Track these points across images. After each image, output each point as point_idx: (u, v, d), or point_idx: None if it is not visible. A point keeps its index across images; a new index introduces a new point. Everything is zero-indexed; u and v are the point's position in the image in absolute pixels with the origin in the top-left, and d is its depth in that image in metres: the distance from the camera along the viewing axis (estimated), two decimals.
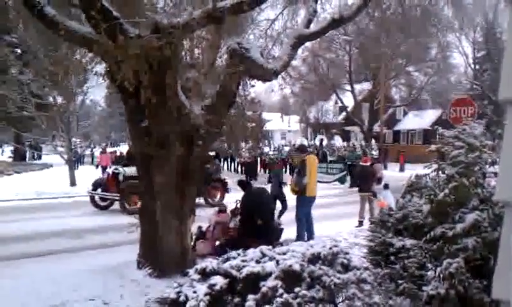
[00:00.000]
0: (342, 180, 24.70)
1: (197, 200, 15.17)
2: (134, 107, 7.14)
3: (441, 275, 4.75)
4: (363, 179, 13.43)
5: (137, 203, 13.60)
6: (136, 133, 7.41)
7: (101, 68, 7.51)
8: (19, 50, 25.75)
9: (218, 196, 17.22)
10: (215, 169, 17.85)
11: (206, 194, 16.56)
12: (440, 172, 5.60)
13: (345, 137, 49.19)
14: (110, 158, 27.28)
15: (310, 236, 9.72)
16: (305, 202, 9.91)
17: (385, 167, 32.37)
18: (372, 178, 13.19)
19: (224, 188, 17.37)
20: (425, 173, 5.89)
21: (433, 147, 5.79)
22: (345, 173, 24.76)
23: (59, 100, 22.12)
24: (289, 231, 9.79)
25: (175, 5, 8.34)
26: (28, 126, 26.47)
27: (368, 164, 14.24)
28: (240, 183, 9.85)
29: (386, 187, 12.42)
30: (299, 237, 9.51)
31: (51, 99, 22.58)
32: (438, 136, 6.14)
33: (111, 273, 7.55)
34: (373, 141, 30.84)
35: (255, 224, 8.70)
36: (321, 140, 37.86)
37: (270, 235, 8.66)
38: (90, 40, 6.75)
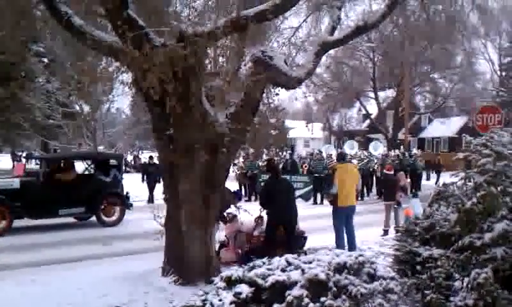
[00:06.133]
0: (306, 197, 19.75)
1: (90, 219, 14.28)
2: (159, 115, 7.21)
3: (469, 286, 4.68)
4: (387, 188, 13.34)
5: None
6: (161, 141, 7.48)
7: (127, 76, 7.60)
8: (46, 59, 26.15)
9: (116, 214, 14.06)
10: (112, 180, 14.39)
11: (99, 211, 13.74)
12: (467, 180, 5.52)
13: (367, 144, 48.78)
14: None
15: (351, 248, 9.42)
16: (337, 212, 9.73)
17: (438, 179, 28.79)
18: (396, 187, 13.05)
19: (124, 204, 14.22)
20: (453, 182, 5.81)
21: (460, 155, 5.72)
22: (310, 187, 19.79)
23: (86, 108, 22.45)
24: (313, 239, 9.72)
25: (199, 14, 8.42)
26: (55, 134, 26.84)
27: (391, 172, 14.11)
28: (269, 165, 9.70)
29: (415, 195, 12.30)
30: (338, 247, 9.30)
31: (77, 107, 22.95)
32: (464, 144, 6.07)
33: (136, 280, 7.60)
34: (395, 151, 28.74)
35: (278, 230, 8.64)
36: (292, 147, 33.76)
37: (293, 243, 8.59)
38: (116, 49, 6.88)
